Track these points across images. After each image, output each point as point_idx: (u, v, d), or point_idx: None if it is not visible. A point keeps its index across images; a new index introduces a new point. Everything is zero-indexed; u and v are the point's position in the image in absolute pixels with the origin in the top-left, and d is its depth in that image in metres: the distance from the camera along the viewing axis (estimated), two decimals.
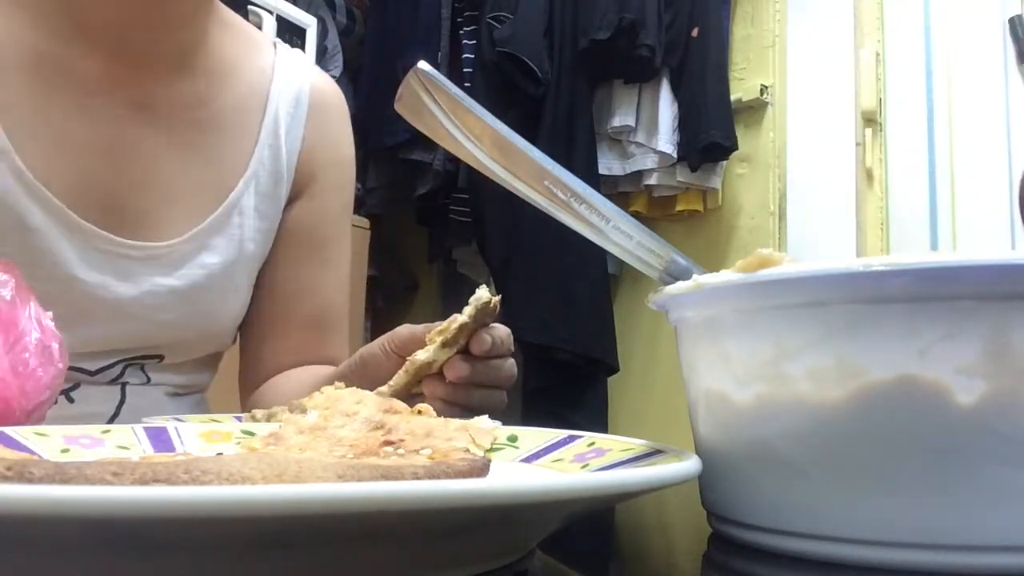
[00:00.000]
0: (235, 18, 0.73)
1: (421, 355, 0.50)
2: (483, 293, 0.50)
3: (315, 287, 0.75)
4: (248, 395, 0.77)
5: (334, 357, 0.76)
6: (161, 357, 0.68)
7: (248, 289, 0.72)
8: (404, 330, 0.57)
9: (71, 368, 0.62)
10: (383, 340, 0.58)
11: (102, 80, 0.62)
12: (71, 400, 0.62)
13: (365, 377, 0.57)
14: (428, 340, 0.51)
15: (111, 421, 0.65)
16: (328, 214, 0.76)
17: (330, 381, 0.65)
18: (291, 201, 0.74)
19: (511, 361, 0.56)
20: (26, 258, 0.57)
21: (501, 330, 0.54)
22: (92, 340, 0.62)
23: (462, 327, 0.50)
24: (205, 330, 0.69)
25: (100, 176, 0.62)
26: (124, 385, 0.66)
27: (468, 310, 0.50)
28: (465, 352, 0.53)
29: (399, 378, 0.50)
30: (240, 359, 0.78)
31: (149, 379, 0.68)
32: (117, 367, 0.65)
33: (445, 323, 0.50)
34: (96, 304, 0.61)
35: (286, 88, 0.73)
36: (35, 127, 0.60)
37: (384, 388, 0.50)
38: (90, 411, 0.63)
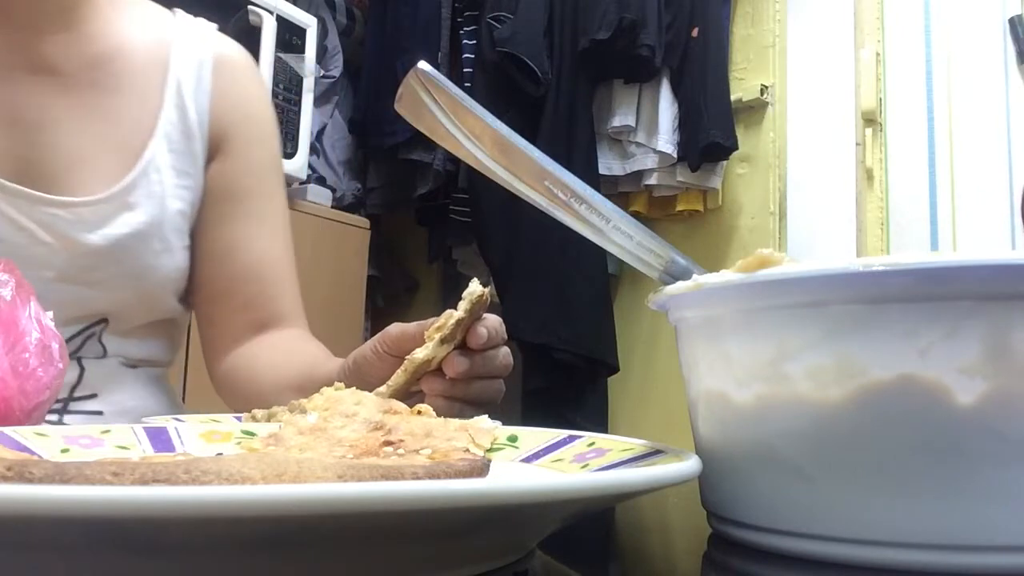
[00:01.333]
0: None
1: (419, 353, 0.50)
2: (476, 287, 0.50)
3: (246, 240, 0.76)
4: (215, 365, 0.77)
5: (285, 312, 0.77)
6: (106, 321, 0.69)
7: (183, 250, 0.74)
8: (395, 329, 0.57)
9: None
10: (374, 341, 0.58)
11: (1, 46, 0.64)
12: None
13: (359, 379, 0.57)
14: (426, 337, 0.51)
15: (72, 392, 0.67)
16: (249, 168, 0.77)
17: (311, 367, 0.66)
18: (210, 161, 0.76)
19: (506, 349, 0.56)
20: None
21: (493, 320, 0.54)
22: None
23: (459, 322, 0.50)
24: (139, 290, 0.70)
25: (10, 141, 0.64)
26: (80, 359, 0.68)
27: (463, 304, 0.50)
28: (462, 347, 0.53)
29: (398, 377, 0.50)
30: (199, 331, 0.79)
31: (105, 351, 0.69)
32: (76, 340, 0.67)
33: (441, 319, 0.50)
34: (30, 267, 0.62)
35: (188, 52, 0.74)
36: None
37: (383, 389, 0.50)
38: None
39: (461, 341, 0.52)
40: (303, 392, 0.66)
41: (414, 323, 0.55)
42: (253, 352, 0.75)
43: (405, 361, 0.50)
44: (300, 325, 0.79)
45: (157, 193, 0.71)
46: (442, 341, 0.50)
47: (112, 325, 0.70)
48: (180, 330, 0.80)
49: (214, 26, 0.79)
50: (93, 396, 0.69)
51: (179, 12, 0.78)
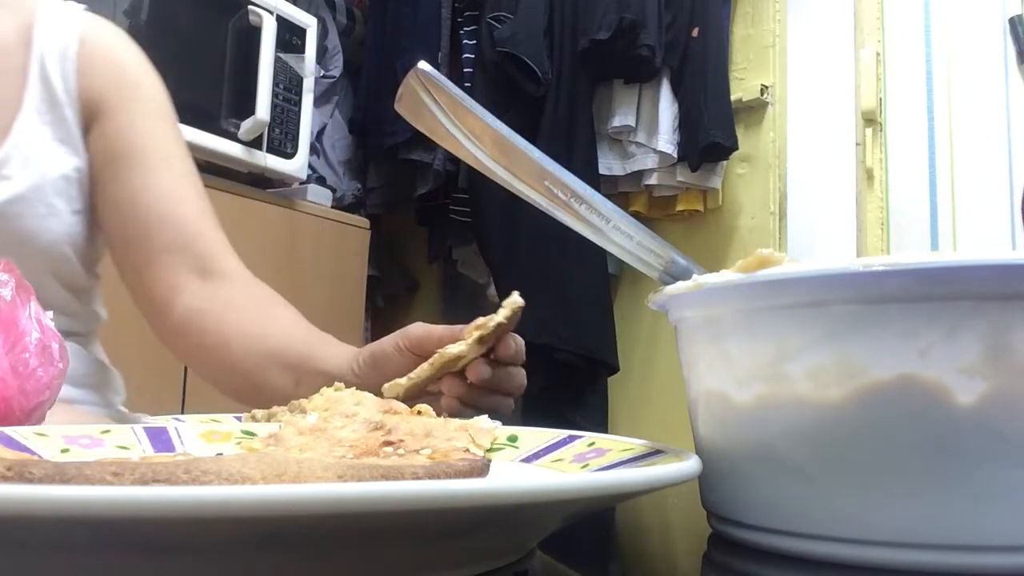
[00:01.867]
0: None
1: (453, 348, 0.51)
2: (517, 298, 0.51)
3: (146, 187, 0.77)
4: (161, 321, 0.77)
5: (216, 252, 0.77)
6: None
7: (72, 215, 0.75)
8: (419, 328, 0.58)
9: None
10: (395, 338, 0.59)
11: None
12: None
13: (374, 372, 0.58)
14: (464, 334, 0.51)
15: None
16: (131, 126, 0.78)
17: (304, 343, 0.66)
18: (89, 128, 0.78)
19: (523, 371, 0.58)
20: None
21: (519, 339, 0.55)
22: None
23: (499, 326, 0.51)
24: (29, 256, 0.71)
25: None
26: None
27: (503, 312, 0.50)
28: (485, 356, 0.54)
29: (423, 370, 0.51)
30: (130, 292, 0.79)
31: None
32: None
33: (481, 320, 0.51)
34: None
35: (51, 32, 0.76)
36: None
37: (402, 380, 0.51)
38: None
39: (487, 351, 0.53)
40: (293, 370, 0.67)
41: (440, 326, 0.56)
42: (215, 311, 0.74)
43: (436, 355, 0.51)
44: (241, 273, 0.78)
45: (33, 161, 0.72)
46: (479, 342, 0.51)
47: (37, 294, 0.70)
48: (96, 300, 0.81)
49: (81, 7, 0.81)
50: None
51: None
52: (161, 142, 0.80)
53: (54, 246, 0.74)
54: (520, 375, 0.57)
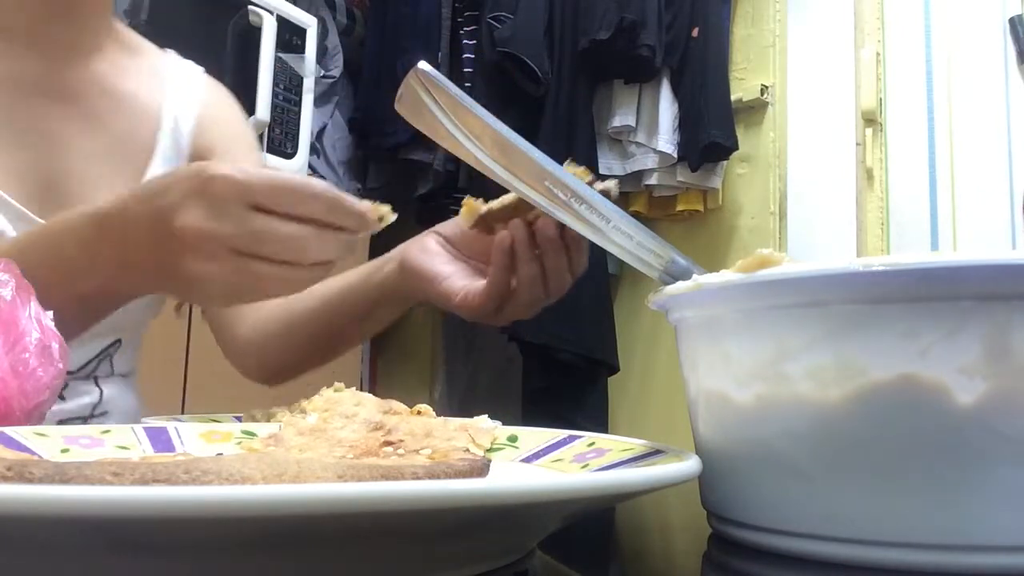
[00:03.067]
0: (130, 32, 0.81)
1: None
2: (616, 186, 0.51)
3: None
4: (232, 344, 0.80)
5: None
6: (119, 342, 0.74)
7: None
8: (450, 225, 0.63)
9: None
10: (429, 236, 0.64)
11: (24, 72, 0.68)
12: (63, 399, 0.68)
13: (414, 267, 0.63)
14: (566, 167, 0.51)
15: (93, 411, 0.72)
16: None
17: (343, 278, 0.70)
18: None
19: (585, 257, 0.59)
20: None
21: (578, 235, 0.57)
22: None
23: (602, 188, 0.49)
24: (142, 302, 0.72)
25: (31, 163, 0.67)
26: (96, 379, 0.72)
27: (601, 184, 0.49)
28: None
29: (507, 198, 0.52)
30: (214, 331, 0.81)
31: (113, 370, 0.74)
32: (94, 363, 0.72)
33: (581, 169, 0.50)
34: None
35: (179, 82, 0.81)
36: None
37: (482, 205, 0.53)
38: (79, 404, 0.70)
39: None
40: (343, 300, 0.70)
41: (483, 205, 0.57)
42: (277, 302, 0.77)
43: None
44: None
45: None
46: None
47: (124, 344, 0.74)
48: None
49: (200, 69, 0.87)
50: (105, 413, 0.73)
51: (170, 52, 0.85)
52: None
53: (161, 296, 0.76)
54: (583, 258, 0.58)
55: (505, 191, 0.50)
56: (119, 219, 0.49)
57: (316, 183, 0.46)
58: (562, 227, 0.55)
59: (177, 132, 0.79)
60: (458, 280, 0.61)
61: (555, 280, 0.58)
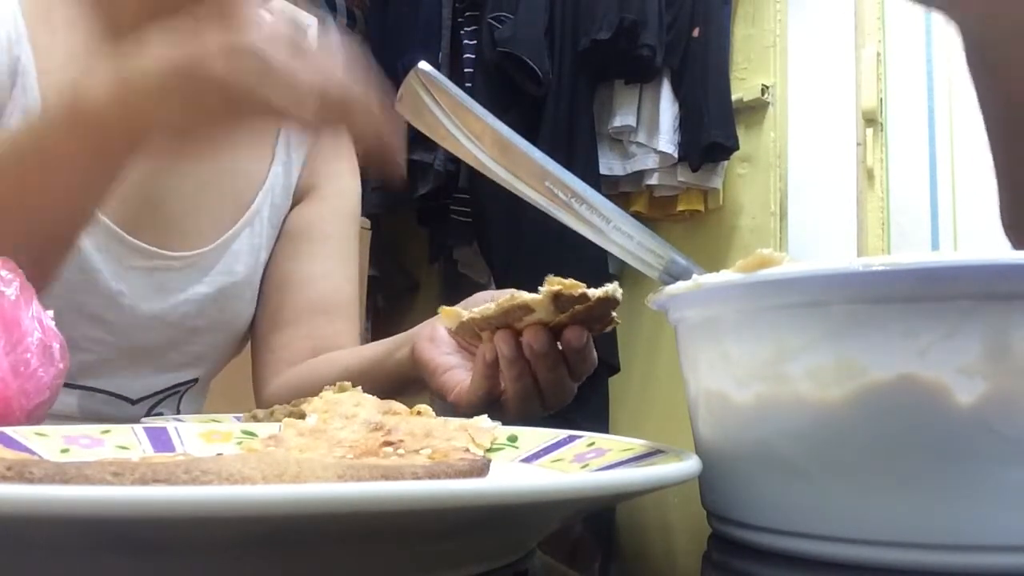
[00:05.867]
0: None
1: (526, 295, 0.47)
2: (617, 288, 0.47)
3: (321, 276, 0.80)
4: (265, 387, 0.80)
5: (345, 345, 0.79)
6: (195, 381, 0.74)
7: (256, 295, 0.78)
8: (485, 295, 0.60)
9: (110, 394, 0.65)
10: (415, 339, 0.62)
11: None
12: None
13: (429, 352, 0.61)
14: (547, 282, 0.47)
15: None
16: (329, 215, 0.82)
17: (375, 354, 0.69)
18: (292, 207, 0.81)
19: (593, 354, 0.55)
20: (74, 277, 0.61)
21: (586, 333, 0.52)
22: (142, 351, 0.65)
23: (583, 299, 0.46)
24: (230, 336, 0.75)
25: (138, 187, 0.66)
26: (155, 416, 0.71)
27: (598, 292, 0.47)
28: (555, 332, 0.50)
29: (488, 308, 0.48)
30: (253, 358, 0.81)
31: (180, 411, 0.73)
32: (156, 397, 0.71)
33: (570, 282, 0.47)
34: (135, 317, 0.64)
35: None
36: None
37: (464, 312, 0.49)
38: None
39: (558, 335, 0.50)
40: (364, 375, 0.68)
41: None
42: (308, 365, 0.77)
43: (507, 296, 0.48)
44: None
45: (257, 244, 0.76)
46: (553, 300, 0.46)
47: (198, 384, 0.75)
48: None
49: None
50: None
51: None
52: (346, 235, 0.84)
53: (245, 331, 0.78)
54: (588, 364, 0.54)
55: (484, 304, 0.48)
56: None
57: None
58: (558, 336, 0.50)
59: (288, 165, 0.78)
60: (458, 373, 0.58)
61: (552, 394, 0.53)
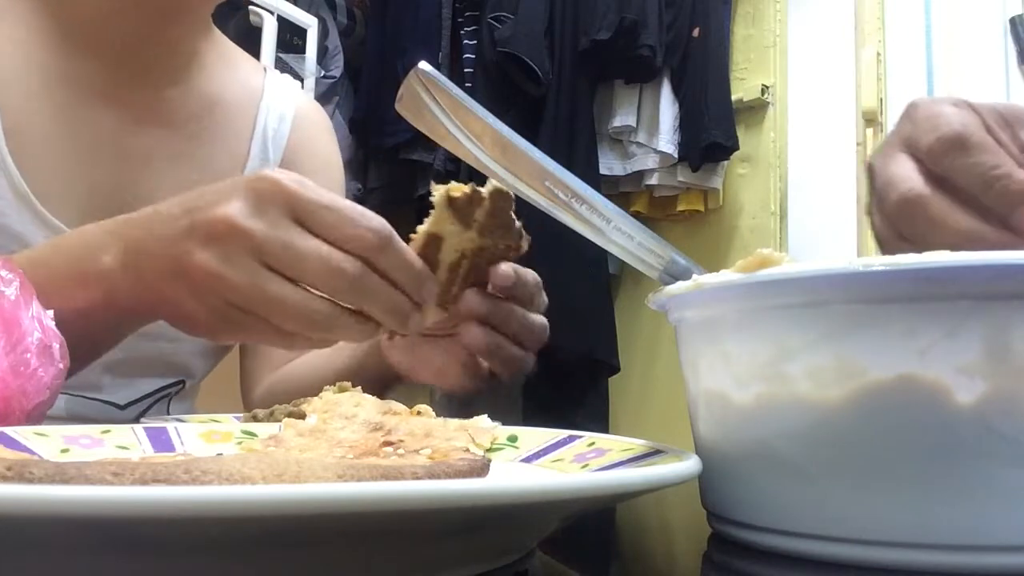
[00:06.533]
0: (228, 44, 0.79)
1: (422, 226, 0.44)
2: (500, 185, 0.42)
3: None
4: (252, 392, 0.79)
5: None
6: (183, 383, 0.72)
7: None
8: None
9: (97, 400, 0.65)
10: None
11: (107, 93, 0.65)
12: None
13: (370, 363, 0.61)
14: (434, 190, 0.44)
15: None
16: None
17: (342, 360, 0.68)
18: None
19: (541, 319, 0.53)
20: None
21: (528, 273, 0.50)
22: (124, 363, 0.65)
23: (477, 200, 0.42)
24: (214, 343, 0.72)
25: (106, 189, 0.65)
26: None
27: (489, 187, 0.42)
28: (483, 288, 0.48)
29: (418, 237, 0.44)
30: (240, 364, 0.80)
31: (168, 415, 0.71)
32: (145, 401, 0.70)
33: (453, 184, 0.43)
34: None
35: (274, 107, 0.78)
36: (41, 145, 0.62)
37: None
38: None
39: (485, 283, 0.47)
40: (357, 380, 0.68)
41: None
42: (290, 367, 0.76)
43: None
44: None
45: None
46: (456, 214, 0.43)
47: (187, 386, 0.73)
48: None
49: (298, 84, 0.83)
50: None
51: (268, 67, 0.83)
52: None
53: None
54: (532, 320, 0.51)
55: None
56: (150, 210, 0.45)
57: (373, 215, 0.42)
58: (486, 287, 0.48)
59: (266, 161, 0.76)
60: (433, 361, 0.57)
61: (524, 336, 0.52)
